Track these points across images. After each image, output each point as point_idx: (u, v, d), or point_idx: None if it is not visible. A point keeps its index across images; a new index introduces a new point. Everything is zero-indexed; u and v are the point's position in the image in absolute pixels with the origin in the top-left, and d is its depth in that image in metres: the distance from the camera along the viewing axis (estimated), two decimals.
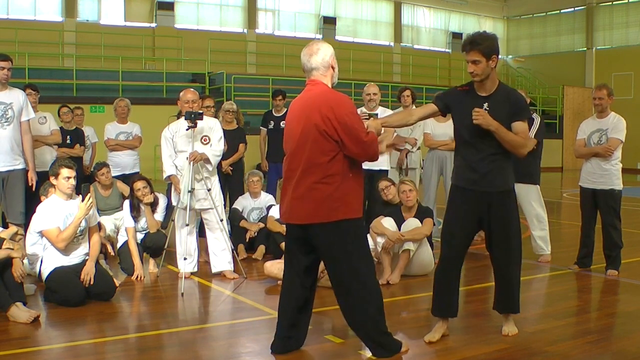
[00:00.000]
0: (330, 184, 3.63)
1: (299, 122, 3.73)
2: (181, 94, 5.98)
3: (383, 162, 6.99)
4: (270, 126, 8.64)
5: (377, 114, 7.05)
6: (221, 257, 6.00)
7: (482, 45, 3.89)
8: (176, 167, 5.95)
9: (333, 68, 3.87)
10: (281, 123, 8.55)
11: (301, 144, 3.68)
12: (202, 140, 5.88)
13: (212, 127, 5.98)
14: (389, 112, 7.24)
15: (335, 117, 3.61)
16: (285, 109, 8.63)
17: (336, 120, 3.61)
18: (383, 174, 7.02)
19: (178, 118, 6.18)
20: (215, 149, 5.92)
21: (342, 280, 3.77)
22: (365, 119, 6.82)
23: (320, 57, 3.83)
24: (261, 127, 8.84)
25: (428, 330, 4.33)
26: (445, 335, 4.22)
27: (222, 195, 6.23)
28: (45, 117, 7.11)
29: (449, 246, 4.15)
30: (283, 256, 6.20)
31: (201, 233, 6.47)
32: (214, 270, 6.02)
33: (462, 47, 4.03)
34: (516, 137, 3.96)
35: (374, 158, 3.81)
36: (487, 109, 3.95)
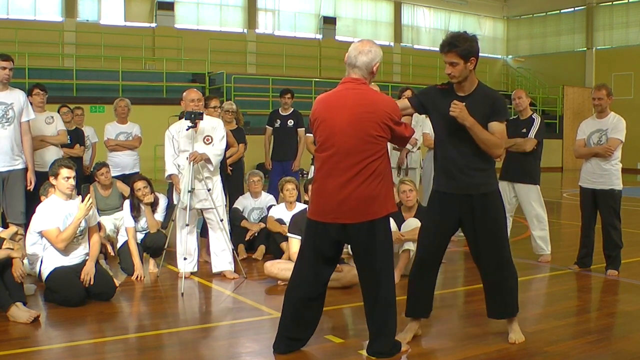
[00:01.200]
0: (379, 182, 3.70)
1: (349, 120, 3.68)
2: (185, 93, 5.98)
3: None
4: (277, 125, 8.63)
5: None
6: (221, 257, 6.00)
7: (459, 47, 3.81)
8: (178, 166, 5.96)
9: (374, 73, 3.82)
10: (288, 122, 8.56)
11: (353, 145, 3.67)
12: (205, 140, 5.88)
13: (214, 127, 5.98)
14: None
15: (393, 125, 3.73)
16: (292, 109, 8.65)
17: (394, 129, 3.74)
18: None
19: (181, 118, 6.19)
20: (217, 148, 5.91)
21: (373, 274, 3.79)
22: None
23: (368, 60, 3.75)
24: (267, 126, 8.83)
25: (428, 330, 4.34)
26: (417, 335, 4.19)
27: (223, 195, 6.22)
28: (52, 117, 7.15)
29: (424, 249, 4.09)
30: (283, 256, 6.26)
31: (202, 233, 6.48)
32: (215, 270, 6.02)
33: (440, 48, 3.91)
34: (491, 136, 3.87)
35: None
36: (466, 108, 3.86)
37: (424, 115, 7.89)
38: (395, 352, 3.85)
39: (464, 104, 3.87)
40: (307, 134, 8.00)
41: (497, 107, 3.95)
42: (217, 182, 6.03)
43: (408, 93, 8.11)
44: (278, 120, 8.63)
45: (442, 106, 3.94)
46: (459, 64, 3.84)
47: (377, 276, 3.78)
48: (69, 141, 7.39)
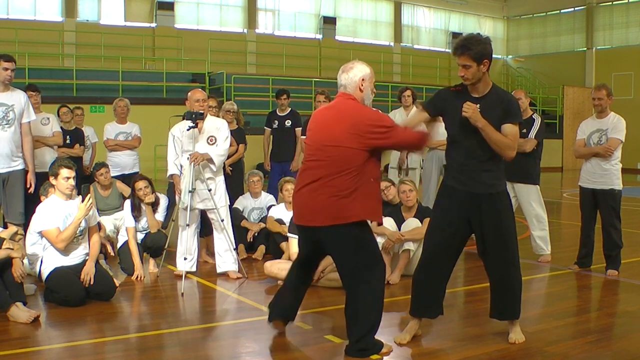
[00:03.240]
0: (339, 191, 3.75)
1: (326, 131, 3.83)
2: (190, 93, 5.97)
3: None
4: (275, 125, 8.64)
5: None
6: (225, 257, 6.01)
7: (472, 50, 3.82)
8: (180, 167, 5.96)
9: (361, 90, 3.89)
10: (285, 122, 8.55)
11: (324, 155, 3.79)
12: (209, 141, 5.88)
13: (219, 127, 5.98)
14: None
15: (374, 134, 3.74)
16: (290, 109, 8.65)
17: (375, 138, 3.75)
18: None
19: (184, 118, 6.20)
20: (220, 148, 5.91)
21: (346, 278, 3.94)
22: None
23: (350, 75, 3.90)
24: (265, 127, 8.85)
25: (428, 330, 4.34)
26: (417, 335, 4.18)
27: (227, 196, 6.21)
28: (48, 119, 7.17)
29: (428, 247, 4.11)
30: (283, 256, 6.26)
31: (202, 233, 6.48)
32: (219, 270, 6.03)
33: (453, 51, 3.95)
34: (503, 137, 3.88)
35: (413, 145, 3.98)
36: (480, 110, 3.88)
37: None
38: (375, 351, 3.85)
39: (477, 105, 3.89)
40: (303, 136, 7.95)
41: (511, 110, 3.94)
42: (220, 183, 6.02)
43: (408, 93, 8.13)
44: (276, 121, 8.64)
45: (455, 108, 3.94)
46: (471, 67, 3.84)
47: (349, 280, 3.90)
48: (62, 142, 7.41)
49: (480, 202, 3.97)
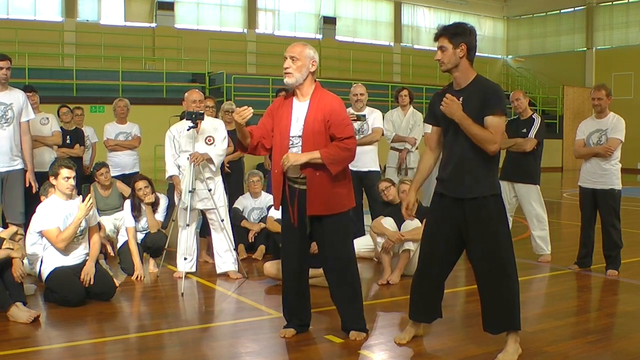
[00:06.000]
0: None
1: None
2: (186, 94, 5.98)
3: (370, 163, 6.99)
4: None
5: (364, 115, 7.05)
6: (225, 257, 6.02)
7: (450, 32, 3.74)
8: (179, 167, 5.96)
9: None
10: None
11: None
12: (207, 141, 5.89)
13: (216, 127, 6.00)
14: (377, 112, 7.22)
15: None
16: None
17: None
18: (373, 174, 7.00)
19: (182, 118, 6.20)
20: (219, 148, 5.92)
21: None
22: (353, 120, 6.86)
23: None
24: None
25: (428, 330, 4.33)
26: (417, 335, 4.17)
27: (225, 196, 6.22)
28: (47, 118, 7.17)
29: (422, 253, 4.05)
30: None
31: (202, 233, 6.47)
32: (219, 270, 6.03)
33: (433, 38, 3.87)
34: (483, 131, 3.64)
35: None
36: (462, 103, 3.72)
37: (421, 115, 7.93)
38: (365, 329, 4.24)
39: (460, 99, 3.73)
40: None
41: (490, 101, 3.70)
42: (219, 183, 6.04)
43: (405, 92, 8.12)
44: None
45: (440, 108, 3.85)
46: (447, 49, 3.75)
47: None
48: (61, 142, 7.41)
49: (464, 207, 3.78)
